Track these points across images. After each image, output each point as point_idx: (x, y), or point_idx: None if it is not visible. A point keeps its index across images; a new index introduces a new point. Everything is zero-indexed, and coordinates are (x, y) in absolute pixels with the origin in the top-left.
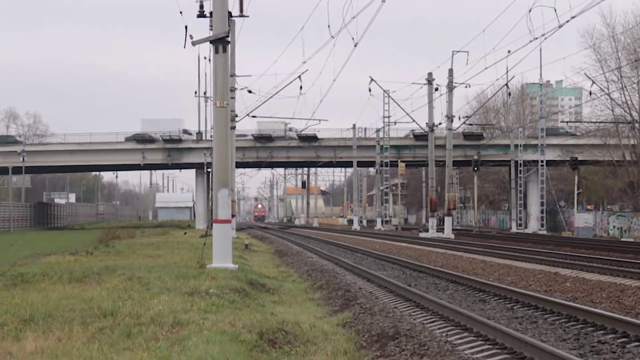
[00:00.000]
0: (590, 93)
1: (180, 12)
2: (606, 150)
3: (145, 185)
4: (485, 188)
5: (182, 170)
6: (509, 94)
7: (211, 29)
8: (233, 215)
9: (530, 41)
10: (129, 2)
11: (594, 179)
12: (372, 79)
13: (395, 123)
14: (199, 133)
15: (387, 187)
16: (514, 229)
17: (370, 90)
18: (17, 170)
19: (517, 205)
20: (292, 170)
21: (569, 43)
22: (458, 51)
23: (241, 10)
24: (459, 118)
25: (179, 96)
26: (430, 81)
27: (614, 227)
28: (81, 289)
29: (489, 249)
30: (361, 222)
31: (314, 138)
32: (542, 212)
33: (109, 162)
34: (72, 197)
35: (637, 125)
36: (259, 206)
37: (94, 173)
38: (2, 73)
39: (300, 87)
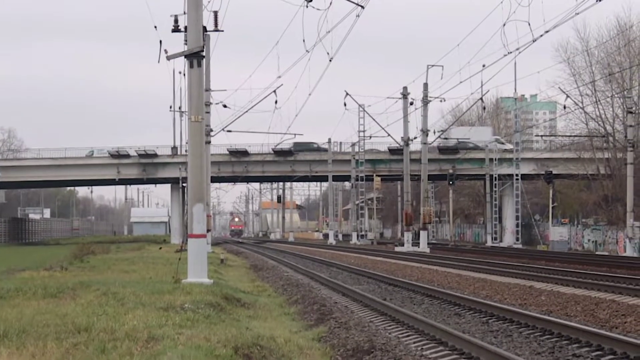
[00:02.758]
0: (565, 107)
1: (155, 27)
2: (581, 164)
3: (120, 200)
4: (461, 202)
5: (158, 185)
6: (484, 108)
7: (186, 44)
8: (208, 230)
9: (505, 55)
10: (104, 16)
11: (568, 192)
12: (347, 93)
13: (371, 137)
14: (174, 148)
15: (362, 201)
16: (489, 243)
17: (345, 104)
18: None
19: (492, 219)
20: (267, 185)
21: (544, 57)
22: (433, 65)
23: (216, 24)
24: (434, 132)
25: (154, 110)
26: (405, 95)
27: (588, 240)
28: (55, 304)
29: (464, 262)
30: (337, 236)
31: (289, 152)
32: (517, 225)
33: (84, 177)
34: (47, 213)
35: (611, 138)
36: (236, 219)
37: (68, 188)
38: None
39: (276, 102)
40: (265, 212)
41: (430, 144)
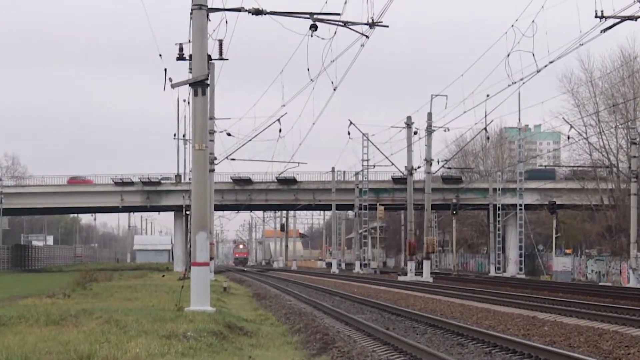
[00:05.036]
0: (569, 137)
1: (160, 55)
2: (584, 194)
3: (123, 228)
4: (464, 232)
5: (161, 212)
6: (488, 138)
7: (191, 72)
8: (211, 258)
9: (509, 85)
10: (108, 44)
11: (572, 223)
12: (351, 122)
13: (375, 166)
14: (178, 175)
15: (366, 230)
16: (492, 273)
17: (349, 133)
18: None
19: (495, 249)
20: (270, 213)
21: (548, 87)
22: (437, 95)
23: (220, 53)
24: (438, 162)
25: (158, 138)
26: (409, 125)
27: (592, 271)
28: (58, 331)
29: (468, 292)
30: (340, 265)
31: (293, 181)
32: (520, 255)
33: (87, 205)
34: (50, 239)
35: (614, 169)
36: (240, 247)
37: (72, 215)
38: None
39: (280, 130)
40: (268, 241)
41: (434, 173)
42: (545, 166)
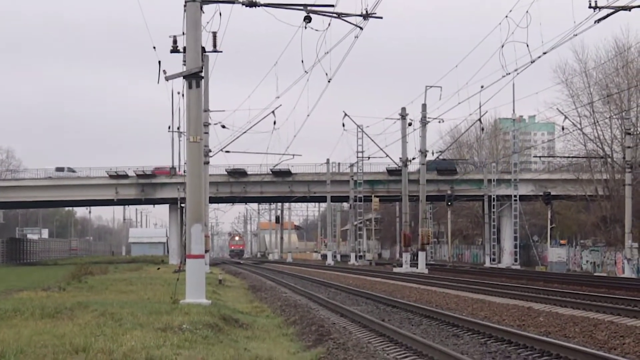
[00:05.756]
0: (563, 128)
1: (154, 47)
2: (579, 185)
3: (118, 221)
4: (459, 223)
5: (156, 205)
6: (482, 129)
7: (185, 64)
8: (207, 251)
9: (503, 76)
10: (102, 37)
11: (567, 213)
12: (345, 114)
13: (369, 158)
14: (173, 168)
15: (361, 222)
16: (487, 264)
17: (344, 125)
18: None
19: (490, 240)
20: (265, 205)
21: (542, 78)
22: (431, 86)
23: (214, 45)
24: (433, 153)
25: (153, 131)
26: (403, 116)
27: (587, 261)
28: (53, 324)
29: (463, 283)
30: (335, 257)
31: (287, 173)
32: (515, 246)
33: (82, 198)
34: (45, 233)
35: (609, 160)
36: (236, 238)
37: (67, 208)
38: None
39: (274, 122)
40: (263, 233)
41: (428, 165)
42: (540, 157)
